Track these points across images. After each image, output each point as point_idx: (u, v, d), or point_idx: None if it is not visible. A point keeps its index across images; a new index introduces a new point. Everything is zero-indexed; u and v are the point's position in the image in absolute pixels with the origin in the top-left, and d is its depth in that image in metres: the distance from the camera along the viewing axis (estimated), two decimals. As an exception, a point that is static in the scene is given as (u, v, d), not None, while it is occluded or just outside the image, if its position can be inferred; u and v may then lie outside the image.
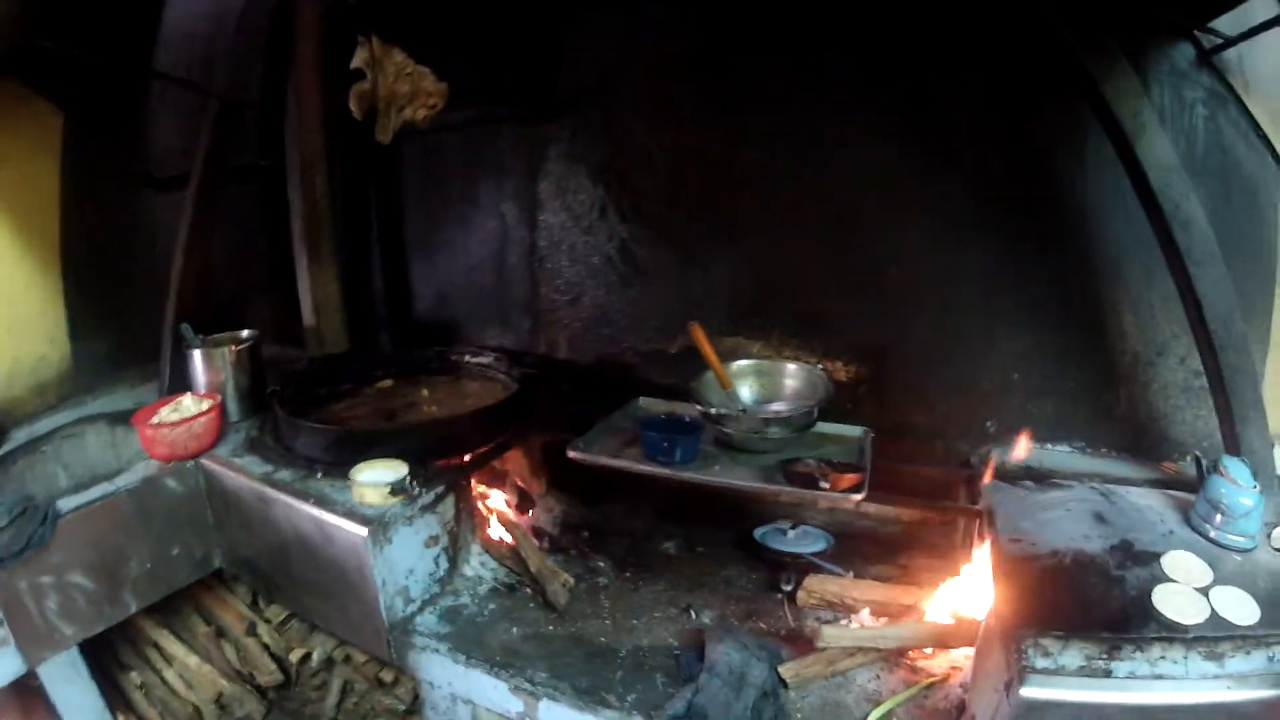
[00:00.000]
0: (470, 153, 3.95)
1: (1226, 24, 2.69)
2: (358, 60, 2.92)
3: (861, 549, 3.10)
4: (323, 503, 2.86)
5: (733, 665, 2.49)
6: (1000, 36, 2.85)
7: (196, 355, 3.43)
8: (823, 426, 3.01)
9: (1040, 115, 2.88)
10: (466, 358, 3.84)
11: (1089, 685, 2.00)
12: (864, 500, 2.73)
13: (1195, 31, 2.74)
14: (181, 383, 3.51)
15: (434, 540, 2.94)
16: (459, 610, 2.93)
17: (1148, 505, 2.58)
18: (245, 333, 3.61)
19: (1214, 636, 2.04)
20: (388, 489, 2.83)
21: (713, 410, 2.99)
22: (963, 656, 2.57)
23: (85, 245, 3.78)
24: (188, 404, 3.28)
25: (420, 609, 2.92)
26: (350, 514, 2.79)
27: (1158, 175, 2.52)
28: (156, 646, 3.37)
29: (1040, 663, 2.00)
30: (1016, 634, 2.07)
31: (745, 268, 3.41)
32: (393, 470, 2.91)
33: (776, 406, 3.14)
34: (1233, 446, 2.58)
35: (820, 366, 3.23)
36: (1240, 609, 2.13)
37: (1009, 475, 2.83)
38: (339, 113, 3.05)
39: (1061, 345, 2.97)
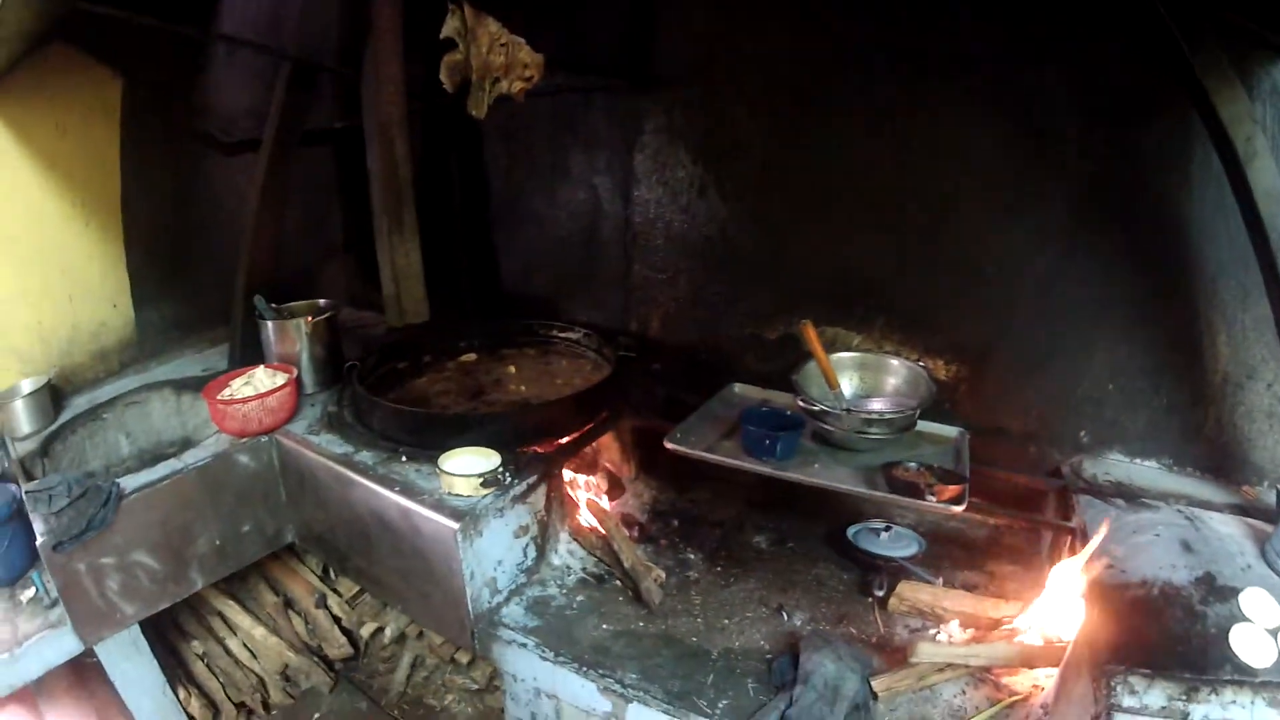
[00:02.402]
0: (559, 122, 3.47)
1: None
2: (448, 29, 2.47)
3: (949, 553, 2.73)
4: (409, 491, 2.47)
5: (828, 677, 2.19)
6: (1110, 42, 2.50)
7: (270, 326, 2.99)
8: (920, 425, 2.67)
9: (1147, 126, 2.52)
10: (554, 333, 3.40)
11: None
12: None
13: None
14: (253, 353, 3.10)
15: (523, 530, 2.53)
16: (546, 602, 2.53)
17: (1229, 534, 2.35)
18: (323, 302, 3.19)
19: (1278, 682, 1.86)
20: (479, 480, 2.42)
21: (816, 406, 2.61)
22: (1043, 675, 2.29)
23: (148, 211, 3.38)
24: (261, 377, 2.87)
25: (506, 600, 2.52)
26: (439, 506, 2.40)
27: (1266, 203, 2.25)
28: (220, 616, 2.98)
29: (1127, 701, 1.82)
30: (1107, 669, 1.88)
31: (846, 259, 2.99)
32: (484, 459, 2.50)
33: (877, 403, 2.78)
34: None
35: (922, 364, 2.86)
36: None
37: (1100, 490, 2.55)
38: (418, 77, 2.67)
39: (1157, 360, 2.63)
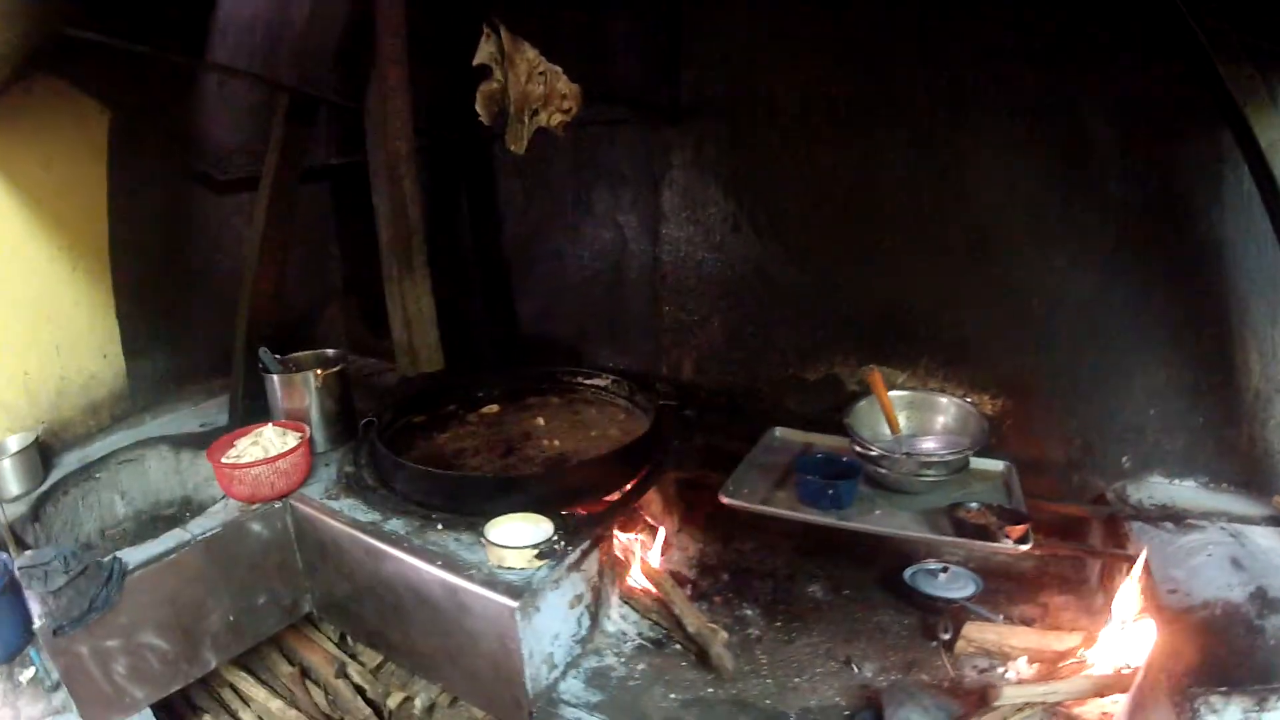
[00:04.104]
0: (581, 157, 3.12)
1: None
2: (483, 55, 2.12)
3: (1001, 587, 2.46)
4: (453, 565, 2.09)
5: None
6: (1147, 67, 2.36)
7: (276, 380, 2.56)
8: None
9: (1182, 151, 2.39)
10: (580, 379, 2.99)
11: None
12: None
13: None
14: (255, 407, 2.68)
15: (578, 600, 2.16)
16: (606, 673, 2.17)
17: (1271, 547, 2.32)
18: (331, 352, 2.75)
19: None
20: (534, 552, 2.06)
21: (874, 451, 2.38)
22: (1109, 702, 2.14)
23: (138, 254, 2.95)
24: (270, 436, 2.44)
25: (564, 674, 2.15)
26: (491, 582, 2.02)
27: None
28: (232, 688, 2.55)
29: (1210, 719, 1.74)
30: (1190, 691, 1.80)
31: (888, 293, 2.75)
32: (533, 526, 2.13)
33: (928, 443, 2.53)
34: None
35: (970, 400, 2.63)
36: None
37: (1147, 514, 2.40)
38: (426, 110, 2.38)
39: (1194, 382, 2.48)
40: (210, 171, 3.17)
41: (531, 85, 2.18)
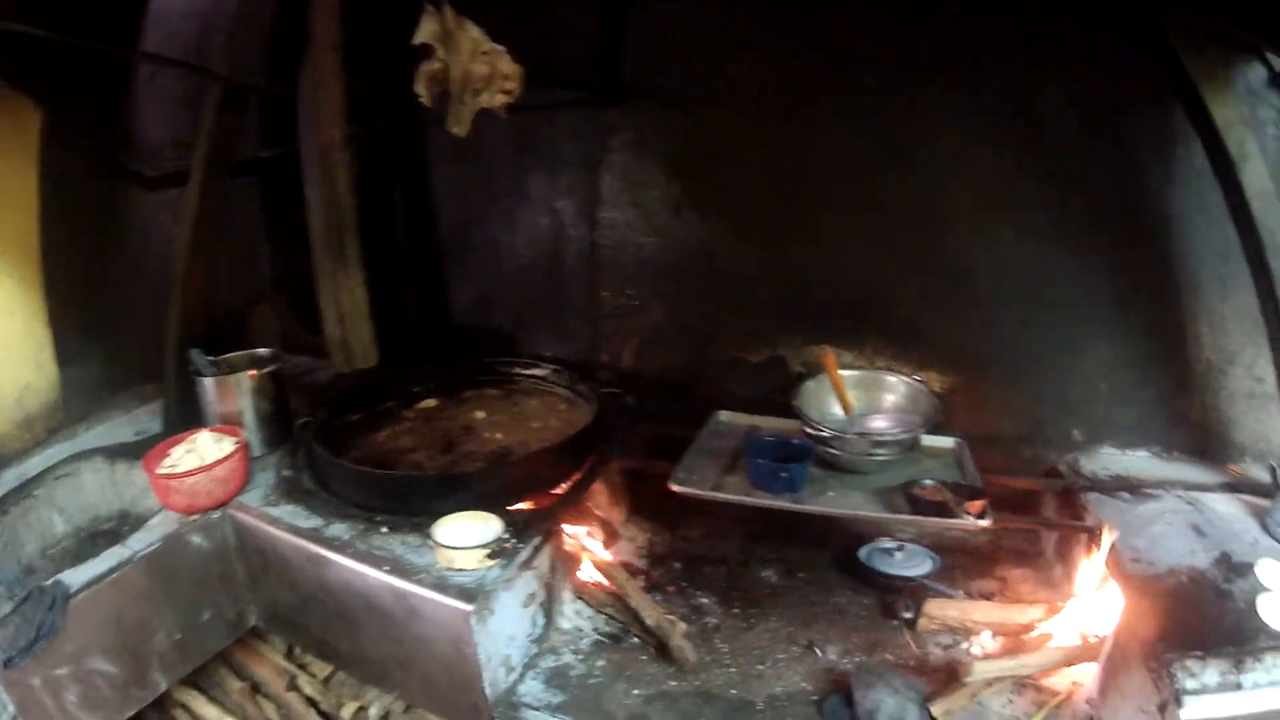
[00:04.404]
0: (517, 142, 2.99)
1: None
2: (425, 34, 2.01)
3: (958, 563, 2.45)
4: (401, 570, 2.00)
5: (890, 712, 1.97)
6: (1100, 45, 2.35)
7: (209, 383, 2.42)
8: None
9: (1132, 124, 2.40)
10: (518, 370, 2.91)
11: (1227, 699, 1.79)
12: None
13: (1267, 54, 2.34)
14: (189, 412, 2.51)
15: (531, 598, 2.10)
16: (565, 672, 2.10)
17: (1229, 513, 2.34)
18: (263, 351, 2.61)
19: None
20: (485, 552, 1.98)
21: (825, 432, 2.31)
22: (1079, 672, 2.16)
23: (70, 257, 2.78)
24: (206, 443, 2.29)
25: (522, 676, 2.08)
26: (442, 585, 1.94)
27: (1259, 204, 2.22)
28: (184, 707, 2.43)
29: (1189, 684, 1.77)
30: (1165, 658, 1.81)
31: (833, 273, 2.69)
32: (482, 524, 2.06)
33: (878, 422, 2.45)
34: None
35: (919, 378, 2.57)
36: None
37: (1103, 485, 2.40)
38: (359, 97, 2.25)
39: (1144, 354, 2.49)
40: (141, 168, 3.00)
41: (475, 65, 2.09)
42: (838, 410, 2.46)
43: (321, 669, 2.49)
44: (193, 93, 2.74)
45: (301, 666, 2.52)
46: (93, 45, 2.26)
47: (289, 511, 2.22)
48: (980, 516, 2.10)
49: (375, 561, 2.03)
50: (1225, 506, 2.34)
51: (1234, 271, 2.36)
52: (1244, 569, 2.03)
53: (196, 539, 2.19)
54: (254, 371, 2.45)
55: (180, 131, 2.86)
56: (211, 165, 2.52)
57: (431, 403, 2.75)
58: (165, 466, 2.23)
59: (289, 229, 2.44)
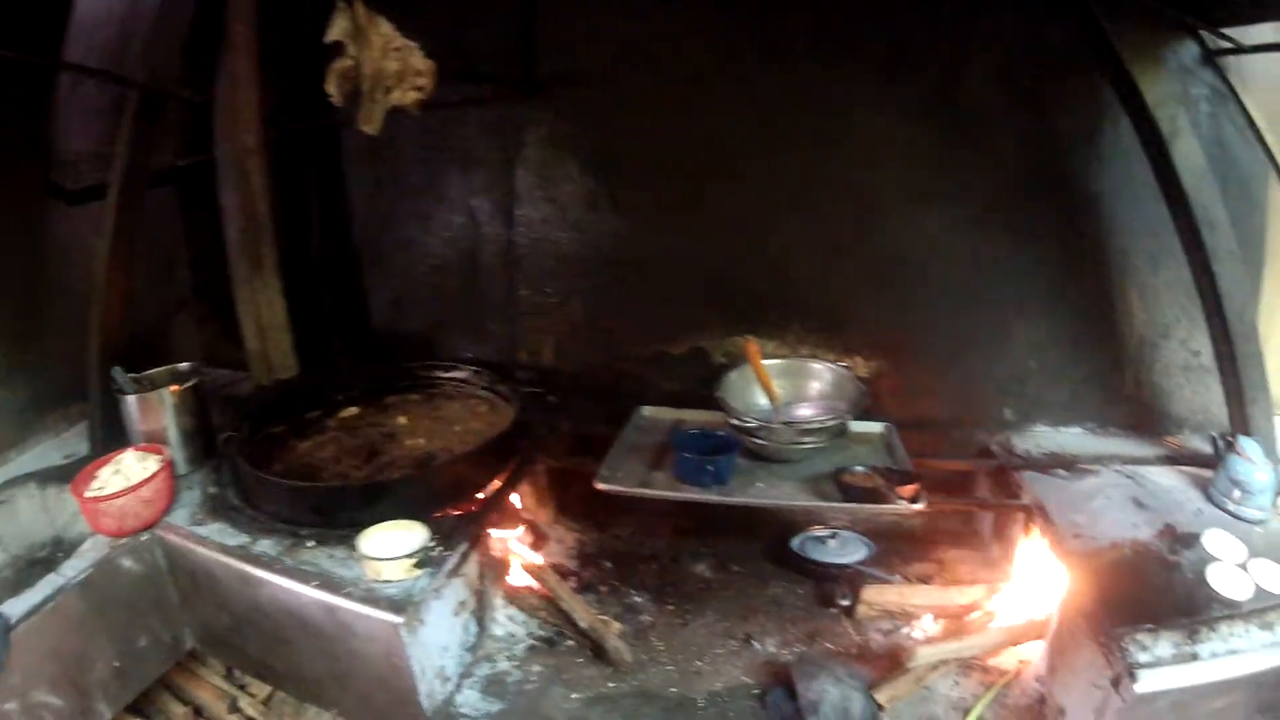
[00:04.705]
0: (431, 141, 2.94)
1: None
2: (337, 31, 2.01)
3: (894, 548, 2.52)
4: (329, 584, 1.98)
5: (834, 702, 1.99)
6: (1025, 20, 2.38)
7: (131, 401, 2.40)
8: None
9: (1061, 104, 2.44)
10: (439, 373, 2.88)
11: (1184, 670, 1.80)
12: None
13: (1201, 31, 2.45)
14: (116, 433, 2.48)
15: (462, 606, 2.11)
16: (502, 679, 2.12)
17: (1170, 485, 2.37)
18: (184, 366, 2.58)
19: (1263, 608, 1.90)
20: (412, 561, 1.98)
21: (751, 422, 2.32)
22: (1026, 651, 2.20)
23: None
24: (131, 463, 2.28)
25: (458, 686, 2.09)
26: (372, 598, 1.93)
27: (1190, 179, 2.25)
28: (128, 736, 2.42)
29: (1143, 657, 1.79)
30: (1115, 632, 1.84)
31: (755, 261, 2.69)
32: (408, 533, 2.05)
33: (804, 410, 2.48)
34: (1241, 426, 2.35)
35: (844, 365, 2.60)
36: (1275, 579, 1.99)
37: (1034, 463, 2.45)
38: (275, 99, 2.21)
39: (1075, 332, 2.55)
40: (64, 182, 2.94)
41: (386, 62, 2.09)
42: (763, 400, 2.51)
43: (261, 689, 2.49)
44: (114, 103, 2.68)
45: (241, 688, 2.52)
46: (8, 54, 2.18)
47: (216, 530, 2.20)
48: (913, 500, 2.16)
49: (303, 577, 2.02)
50: (1166, 479, 2.40)
51: (1165, 246, 2.40)
52: (1190, 540, 2.06)
53: (127, 562, 2.18)
54: (175, 387, 2.44)
55: (103, 143, 2.77)
56: (129, 176, 2.49)
57: (353, 411, 2.75)
58: (93, 489, 2.22)
59: (209, 239, 2.43)
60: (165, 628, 2.29)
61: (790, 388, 2.54)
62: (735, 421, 2.35)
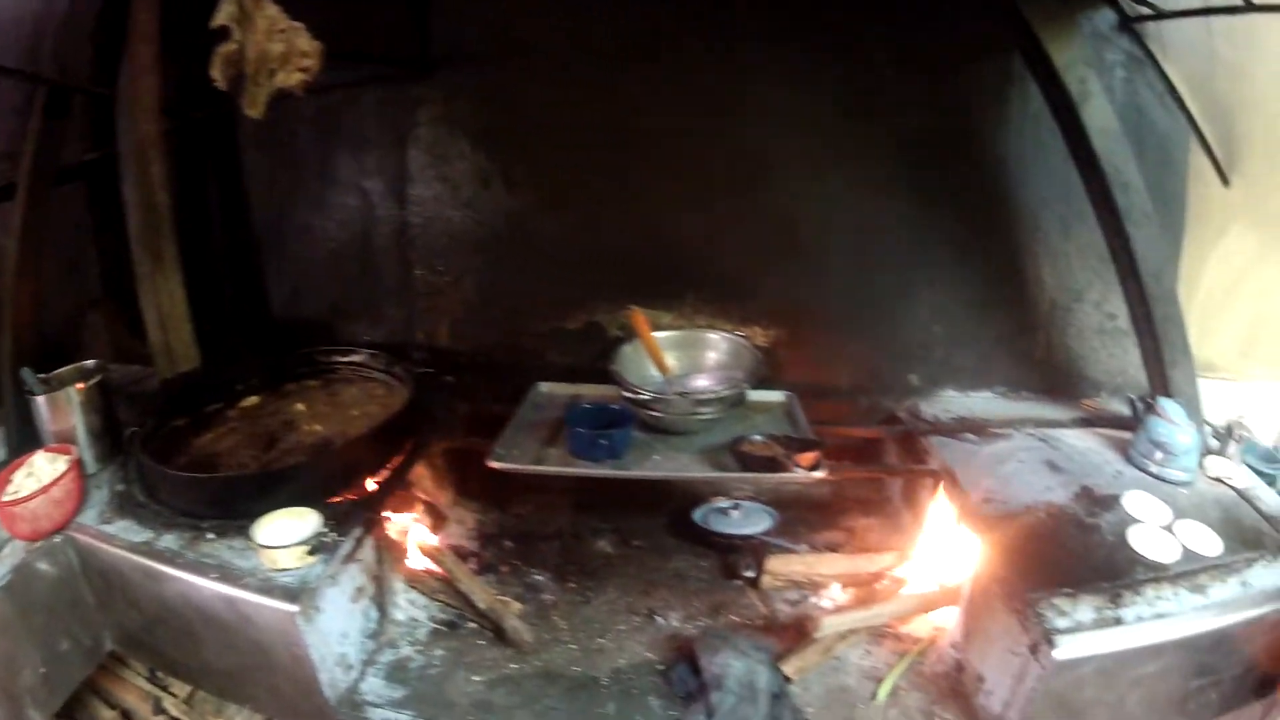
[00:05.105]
0: (324, 124, 2.93)
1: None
2: (223, 16, 2.02)
3: (801, 517, 2.61)
4: (228, 576, 1.98)
5: (739, 675, 2.01)
6: None
7: (40, 401, 2.43)
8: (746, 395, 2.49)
9: (966, 71, 2.47)
10: (336, 358, 2.87)
11: (1107, 635, 1.78)
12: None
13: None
14: (30, 436, 2.50)
15: (360, 592, 2.15)
16: (405, 665, 2.17)
17: (1087, 447, 2.40)
18: (91, 363, 2.60)
19: (1192, 570, 1.90)
20: (305, 548, 2.00)
21: (645, 395, 2.38)
22: (941, 617, 2.23)
23: None
24: (41, 464, 2.31)
25: (362, 674, 2.13)
26: (268, 588, 1.94)
27: (1101, 140, 2.28)
28: (61, 743, 2.45)
29: (1061, 623, 1.79)
30: (1029, 598, 1.84)
31: (649, 233, 2.73)
32: (302, 521, 2.07)
33: (701, 381, 2.55)
34: (1161, 388, 2.39)
35: (741, 334, 2.65)
36: (1204, 541, 2.01)
37: (943, 428, 2.50)
38: (176, 89, 2.28)
39: (982, 296, 2.62)
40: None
41: (271, 44, 2.10)
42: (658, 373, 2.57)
43: (183, 688, 2.53)
44: (27, 101, 2.66)
45: (165, 688, 2.52)
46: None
47: (123, 527, 2.22)
48: (813, 468, 2.19)
49: (204, 570, 2.02)
50: (1083, 442, 2.42)
51: (1077, 211, 2.46)
52: (1109, 502, 2.08)
53: (43, 565, 2.20)
54: (80, 385, 2.48)
55: (16, 142, 2.74)
56: (37, 174, 2.49)
57: (254, 400, 2.75)
58: (9, 493, 2.23)
59: (116, 234, 2.51)
60: (84, 630, 2.31)
61: (686, 359, 2.60)
62: (629, 394, 2.36)
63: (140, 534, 2.18)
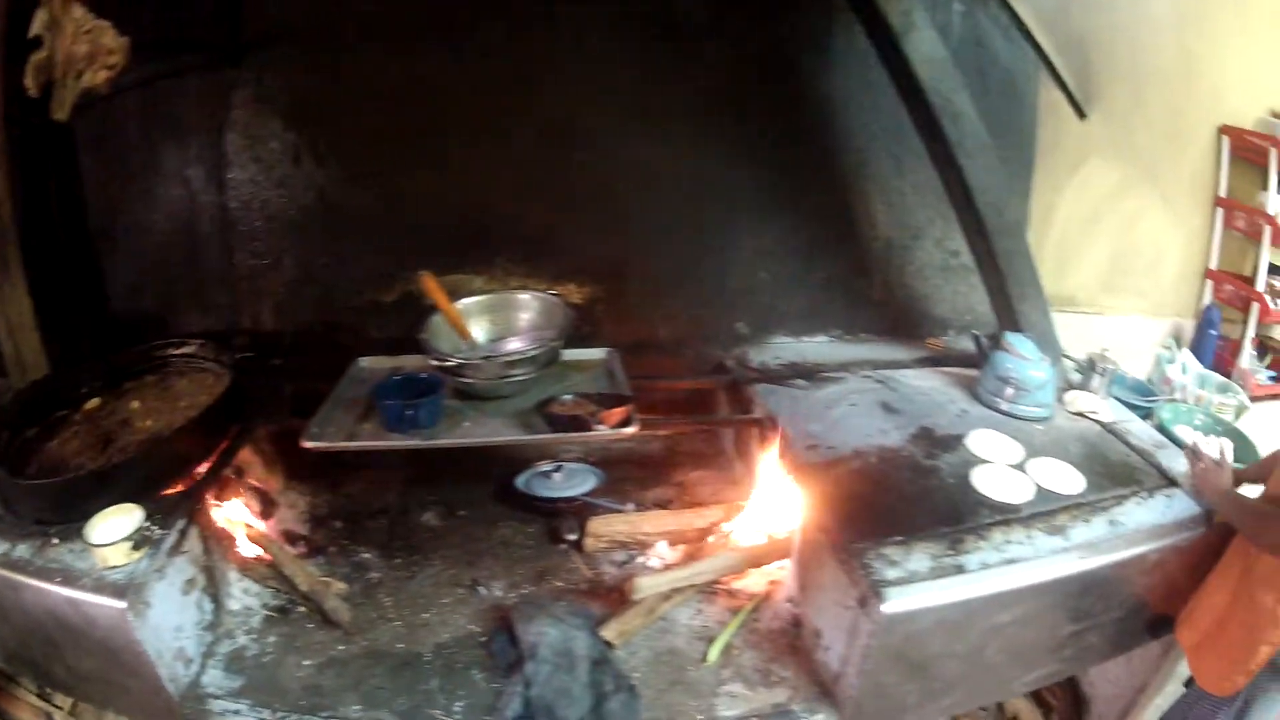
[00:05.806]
0: (149, 116, 2.94)
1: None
2: (38, 25, 2.11)
3: (630, 475, 2.69)
4: (69, 578, 2.00)
5: (554, 644, 2.05)
6: None
7: None
8: (565, 354, 2.52)
9: (784, 13, 2.43)
10: (169, 351, 2.83)
11: (947, 584, 1.72)
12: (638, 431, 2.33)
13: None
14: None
15: (191, 584, 2.18)
16: (242, 654, 2.23)
17: (930, 386, 2.35)
18: None
19: (1049, 510, 1.86)
20: (130, 544, 2.03)
21: (451, 361, 2.44)
22: (777, 570, 2.19)
23: None
24: None
25: (203, 667, 2.17)
26: (100, 586, 1.97)
27: (926, 68, 2.25)
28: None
29: (890, 573, 1.73)
30: (853, 549, 1.77)
31: (458, 200, 2.77)
32: (127, 517, 2.09)
33: (514, 343, 2.61)
34: (1009, 323, 2.35)
35: (553, 292, 2.70)
36: (1064, 478, 1.99)
37: (771, 375, 2.52)
38: (18, 96, 2.21)
39: (809, 238, 2.67)
40: None
41: (77, 45, 2.18)
42: (480, 336, 2.61)
43: (66, 700, 2.60)
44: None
45: (51, 702, 2.60)
46: None
47: (-16, 542, 2.48)
48: (623, 424, 2.24)
49: (49, 575, 2.05)
50: (925, 381, 2.41)
51: (911, 148, 2.42)
52: (951, 442, 2.07)
53: None
54: None
55: None
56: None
57: (95, 402, 2.73)
58: None
59: None
60: (-34, 647, 2.58)
61: (499, 321, 2.68)
62: (436, 362, 2.47)
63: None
